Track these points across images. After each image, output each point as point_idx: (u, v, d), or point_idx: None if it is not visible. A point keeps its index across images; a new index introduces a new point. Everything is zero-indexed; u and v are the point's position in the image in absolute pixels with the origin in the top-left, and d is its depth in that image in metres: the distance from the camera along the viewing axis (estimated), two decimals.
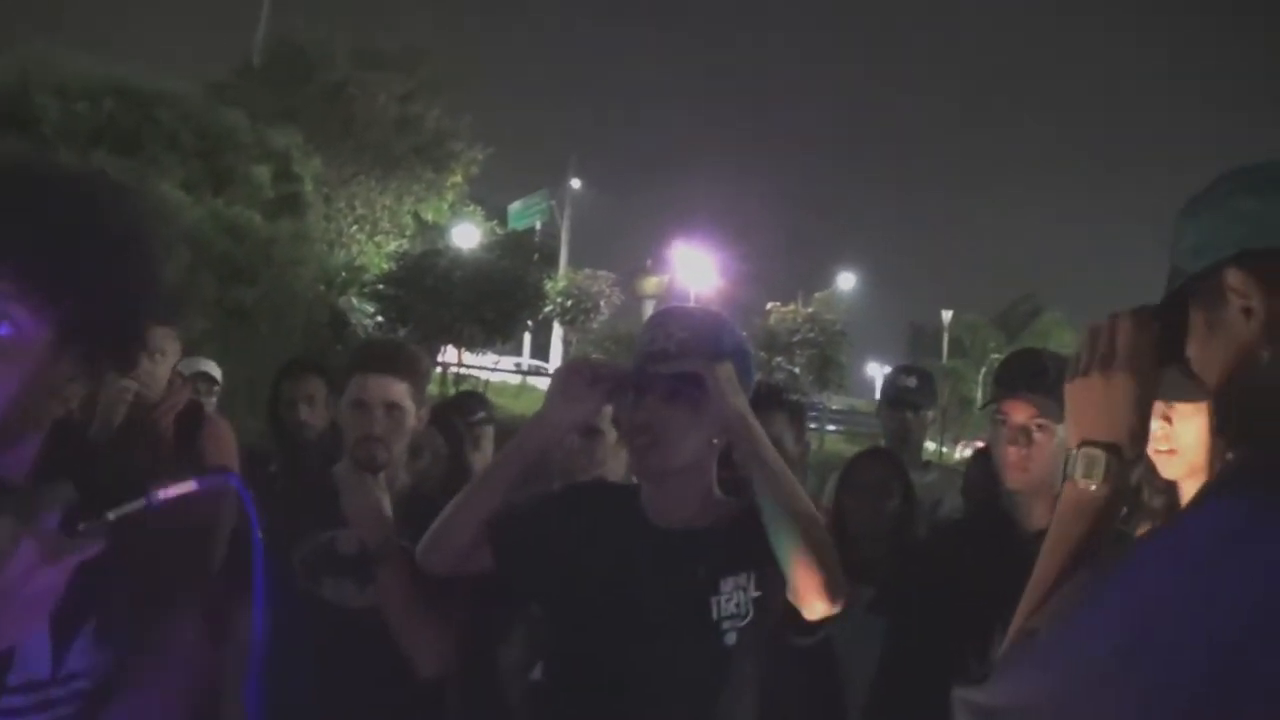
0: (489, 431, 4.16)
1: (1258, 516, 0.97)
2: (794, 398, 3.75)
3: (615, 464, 2.97)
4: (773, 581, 2.08)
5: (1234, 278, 1.12)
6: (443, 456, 3.58)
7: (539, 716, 2.38)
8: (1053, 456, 2.56)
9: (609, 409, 2.67)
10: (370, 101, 22.90)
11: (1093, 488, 1.23)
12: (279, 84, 22.41)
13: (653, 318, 2.25)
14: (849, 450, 10.88)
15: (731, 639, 2.07)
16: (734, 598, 2.08)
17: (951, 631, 2.54)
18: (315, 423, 3.96)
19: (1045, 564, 1.24)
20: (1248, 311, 1.11)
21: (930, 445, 19.64)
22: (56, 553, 1.10)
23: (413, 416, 2.63)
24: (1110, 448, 1.23)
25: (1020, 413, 2.59)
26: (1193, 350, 1.19)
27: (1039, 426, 2.56)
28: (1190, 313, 1.19)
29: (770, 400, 3.51)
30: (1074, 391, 1.29)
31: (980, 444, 7.21)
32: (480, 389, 22.07)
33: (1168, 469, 2.26)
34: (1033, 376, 2.61)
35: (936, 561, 2.77)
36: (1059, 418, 2.52)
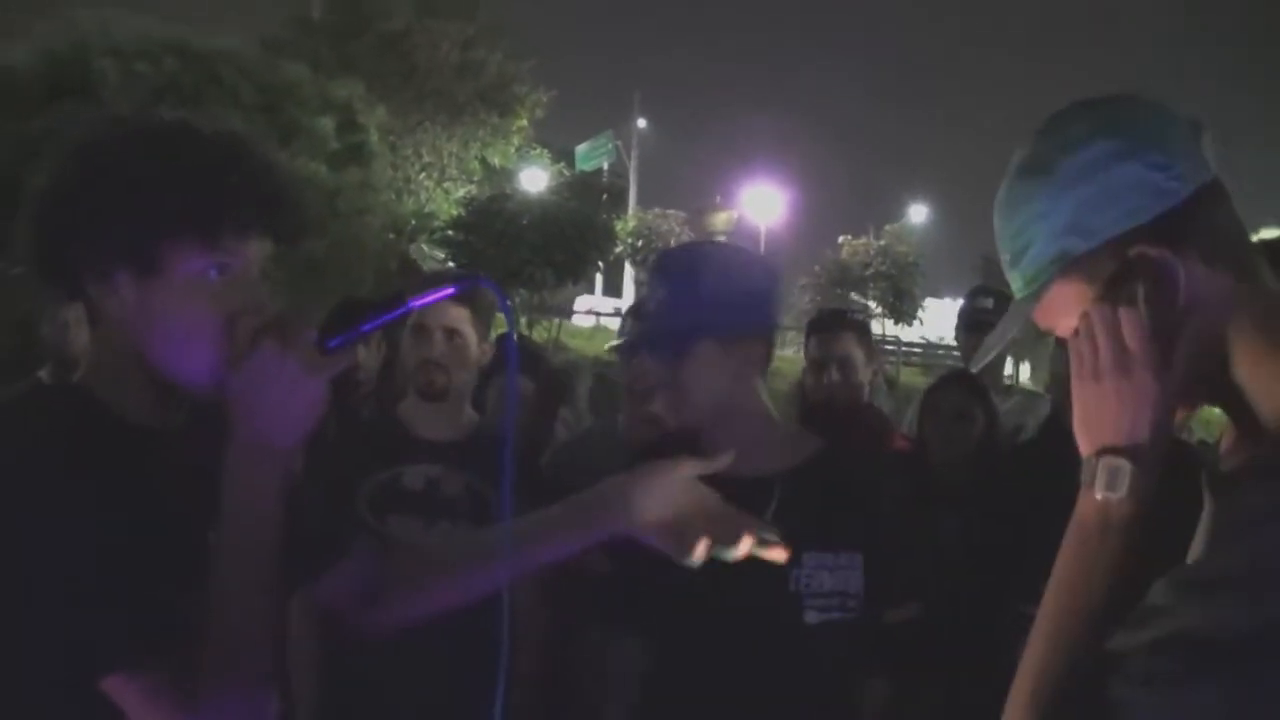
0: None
1: None
2: (859, 317, 3.62)
3: None
4: (883, 568, 1.91)
5: (1152, 250, 1.04)
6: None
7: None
8: None
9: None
10: (431, 49, 22.80)
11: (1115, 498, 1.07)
12: (338, 36, 22.37)
13: (649, 269, 2.13)
14: (925, 384, 10.75)
15: (813, 618, 1.87)
16: (820, 578, 1.87)
17: (1028, 556, 2.41)
18: (369, 368, 3.87)
19: (1073, 592, 1.07)
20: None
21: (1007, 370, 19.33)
22: (315, 368, 1.23)
23: (474, 345, 2.63)
24: (1132, 454, 1.07)
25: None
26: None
27: None
28: (1070, 291, 1.11)
29: (836, 321, 3.49)
30: (1085, 395, 1.11)
31: None
32: (554, 331, 22.18)
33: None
34: None
35: (1015, 485, 2.63)
36: None
